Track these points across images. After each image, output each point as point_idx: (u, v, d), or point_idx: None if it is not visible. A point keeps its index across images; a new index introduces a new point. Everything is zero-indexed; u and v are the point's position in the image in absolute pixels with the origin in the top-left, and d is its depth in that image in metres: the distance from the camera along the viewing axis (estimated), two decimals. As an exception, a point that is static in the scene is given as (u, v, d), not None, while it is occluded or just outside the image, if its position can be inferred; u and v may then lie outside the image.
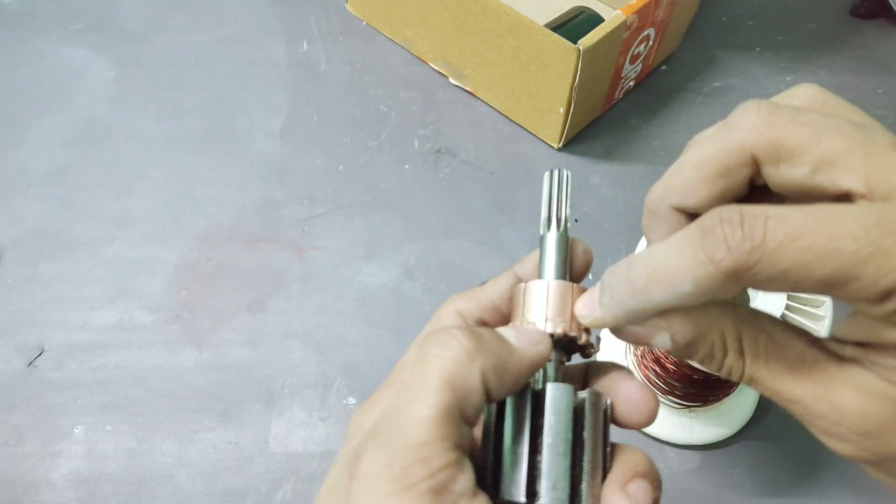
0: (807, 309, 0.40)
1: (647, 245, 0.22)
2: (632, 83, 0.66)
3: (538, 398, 0.22)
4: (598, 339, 0.25)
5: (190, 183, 0.60)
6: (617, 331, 0.23)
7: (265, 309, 0.53)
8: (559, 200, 0.25)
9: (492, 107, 0.66)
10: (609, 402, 0.23)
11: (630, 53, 0.60)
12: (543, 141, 0.63)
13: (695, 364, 0.41)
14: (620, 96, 0.66)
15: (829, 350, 0.21)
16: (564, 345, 0.24)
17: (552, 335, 0.23)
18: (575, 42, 0.53)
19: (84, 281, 0.54)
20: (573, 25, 0.63)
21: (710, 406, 0.47)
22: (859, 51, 0.72)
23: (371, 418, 0.23)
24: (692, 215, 0.22)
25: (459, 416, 0.20)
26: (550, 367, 0.24)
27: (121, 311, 0.53)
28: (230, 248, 0.56)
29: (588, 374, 0.25)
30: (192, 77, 0.67)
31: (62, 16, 0.71)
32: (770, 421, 0.49)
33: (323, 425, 0.48)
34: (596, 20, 0.64)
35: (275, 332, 0.52)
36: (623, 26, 0.55)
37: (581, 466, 0.22)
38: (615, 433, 0.23)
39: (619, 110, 0.66)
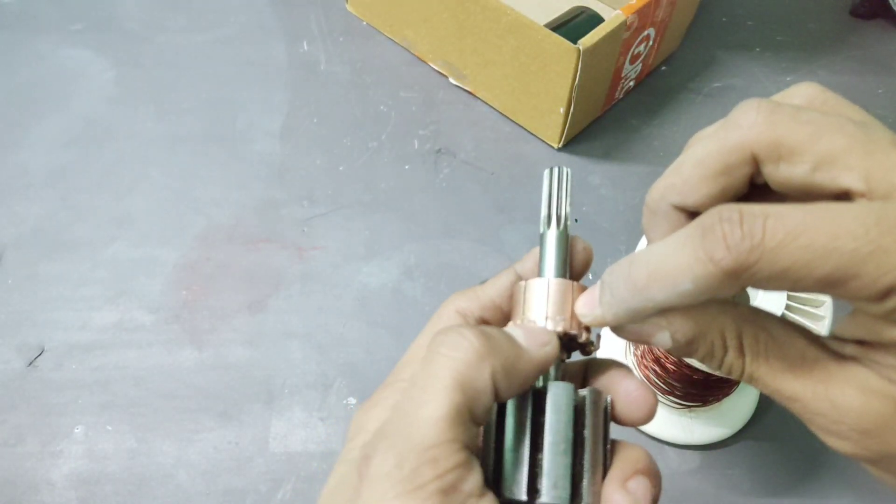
0: (807, 309, 0.40)
1: (647, 244, 0.22)
2: (632, 83, 0.66)
3: (539, 396, 0.22)
4: (598, 336, 0.25)
5: (190, 183, 0.60)
6: (617, 329, 0.23)
7: (265, 309, 0.53)
8: (559, 198, 0.25)
9: (492, 107, 0.66)
10: (609, 399, 0.23)
11: (630, 53, 0.60)
12: (543, 141, 0.63)
13: (695, 364, 0.41)
14: (620, 96, 0.66)
15: (830, 348, 0.21)
16: (565, 343, 0.24)
17: (555, 333, 0.23)
18: (575, 42, 0.53)
19: (84, 281, 0.54)
20: (573, 25, 0.63)
21: (710, 406, 0.47)
22: (859, 51, 0.72)
23: (374, 417, 0.23)
24: (692, 214, 0.22)
25: (469, 416, 0.20)
26: (552, 365, 0.24)
27: (121, 311, 0.53)
28: (230, 248, 0.56)
29: (587, 372, 0.25)
30: (192, 77, 0.67)
31: (62, 16, 0.71)
32: (770, 421, 0.49)
33: (323, 425, 0.48)
34: (596, 20, 0.64)
35: (275, 332, 0.52)
36: (623, 26, 0.55)
37: (582, 464, 0.22)
38: (614, 431, 0.23)
39: (619, 110, 0.66)
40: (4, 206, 0.58)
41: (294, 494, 0.46)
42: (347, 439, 0.23)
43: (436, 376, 0.20)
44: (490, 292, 0.26)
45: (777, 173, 0.20)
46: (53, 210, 0.58)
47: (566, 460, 0.21)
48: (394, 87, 0.67)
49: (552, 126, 0.61)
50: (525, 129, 0.64)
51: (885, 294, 0.17)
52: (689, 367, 0.43)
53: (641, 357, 0.47)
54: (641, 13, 0.56)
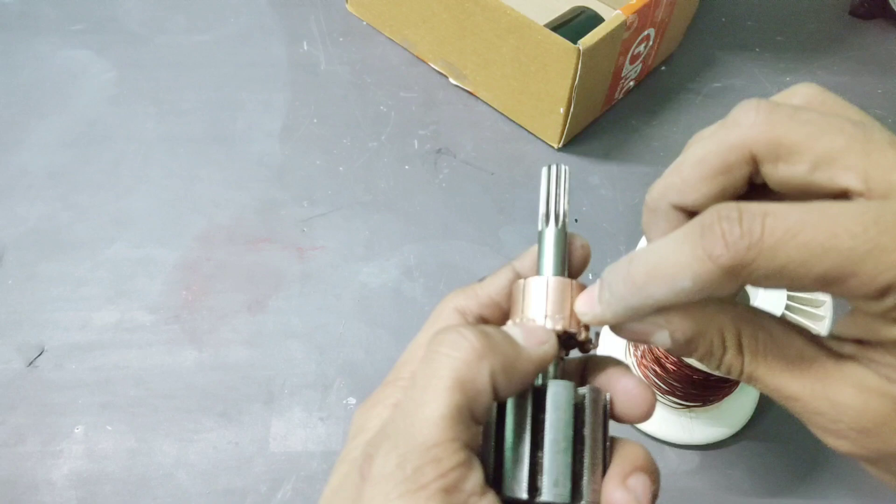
0: (807, 309, 0.40)
1: (647, 244, 0.22)
2: (632, 83, 0.66)
3: (539, 394, 0.22)
4: (597, 334, 0.25)
5: (190, 183, 0.60)
6: (616, 328, 0.23)
7: (265, 309, 0.53)
8: (557, 195, 0.25)
9: (492, 107, 0.66)
10: (608, 397, 0.24)
11: (630, 53, 0.60)
12: (543, 141, 0.63)
13: (695, 364, 0.41)
14: (620, 96, 0.66)
15: (828, 348, 0.21)
16: (564, 341, 0.24)
17: (553, 332, 0.23)
18: (575, 42, 0.53)
19: (84, 281, 0.54)
20: (573, 25, 0.63)
21: (710, 406, 0.47)
22: (858, 51, 0.72)
23: (375, 416, 0.23)
24: (692, 214, 0.22)
25: (469, 415, 0.20)
26: (550, 364, 0.24)
27: (121, 311, 0.53)
28: (230, 248, 0.56)
29: (586, 369, 0.26)
30: (192, 77, 0.67)
31: (63, 17, 0.71)
32: (770, 421, 0.49)
33: (323, 425, 0.48)
34: (596, 20, 0.64)
35: (275, 332, 0.52)
36: (623, 26, 0.55)
37: (582, 462, 0.22)
38: (613, 428, 0.23)
39: (619, 110, 0.66)
40: (5, 206, 0.58)
41: (294, 494, 0.46)
42: (348, 438, 0.24)
43: (436, 376, 0.20)
44: (489, 290, 0.26)
45: (776, 173, 0.20)
46: (53, 210, 0.58)
47: (566, 458, 0.22)
48: (394, 87, 0.67)
49: (552, 126, 0.61)
50: (525, 129, 0.64)
51: (882, 292, 0.17)
52: (689, 367, 0.43)
53: (641, 357, 0.47)
54: (641, 13, 0.56)
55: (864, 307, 0.18)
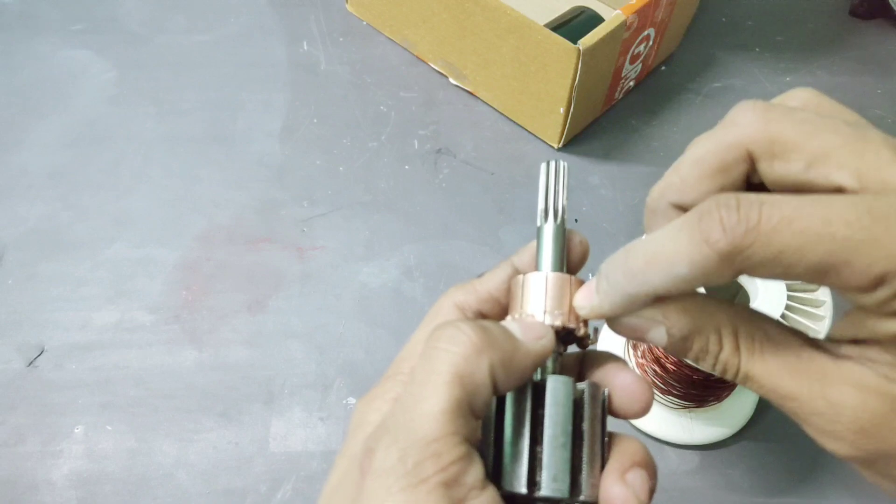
0: (807, 309, 0.40)
1: None
2: (632, 83, 0.66)
3: (538, 390, 0.23)
4: (596, 330, 0.25)
5: (190, 183, 0.60)
6: (614, 323, 0.23)
7: (265, 309, 0.53)
8: (556, 191, 0.25)
9: (492, 107, 0.66)
10: (607, 393, 0.24)
11: (630, 53, 0.60)
12: (543, 141, 0.63)
13: (694, 363, 0.41)
14: (620, 96, 0.66)
15: (826, 349, 0.21)
16: (563, 336, 0.24)
17: (551, 327, 0.24)
18: (575, 42, 0.53)
19: (84, 281, 0.54)
20: (573, 25, 0.63)
21: (710, 406, 0.47)
22: (858, 51, 0.72)
23: (375, 410, 0.23)
24: None
25: (469, 410, 0.20)
26: (549, 359, 0.24)
27: (121, 311, 0.53)
28: (230, 248, 0.56)
29: (583, 364, 0.26)
30: (192, 77, 0.67)
31: (63, 17, 0.71)
32: (769, 421, 0.49)
33: (323, 425, 0.48)
34: (596, 20, 0.64)
35: (275, 332, 0.52)
36: (623, 26, 0.55)
37: (580, 457, 0.22)
38: (611, 424, 0.23)
39: (619, 110, 0.66)
40: (5, 206, 0.58)
41: (294, 494, 0.46)
42: (348, 433, 0.24)
43: (435, 371, 0.20)
44: (487, 285, 0.26)
45: (772, 171, 0.20)
46: (53, 210, 0.58)
47: (565, 453, 0.22)
48: (394, 87, 0.67)
49: (552, 126, 0.61)
50: (525, 129, 0.64)
51: (876, 283, 0.18)
52: (689, 367, 0.43)
53: (641, 357, 0.47)
54: (641, 13, 0.56)
55: (858, 300, 0.19)
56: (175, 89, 0.66)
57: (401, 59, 0.69)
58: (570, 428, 0.22)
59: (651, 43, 0.62)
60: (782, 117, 0.20)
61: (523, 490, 0.21)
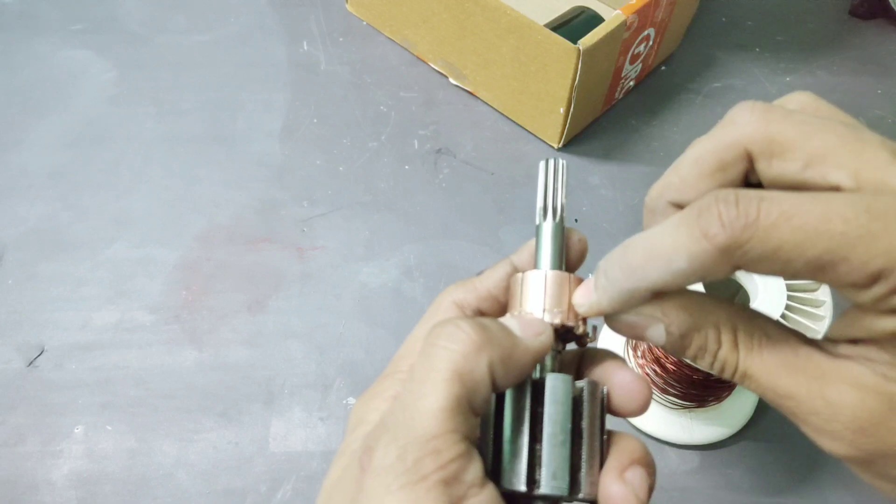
0: (807, 309, 0.40)
1: None
2: (632, 83, 0.66)
3: (537, 387, 0.23)
4: (595, 328, 0.25)
5: (190, 183, 0.60)
6: (612, 320, 0.23)
7: (265, 309, 0.53)
8: (555, 190, 0.25)
9: (492, 107, 0.66)
10: (605, 390, 0.24)
11: (630, 53, 0.60)
12: (543, 141, 0.63)
13: (692, 362, 0.41)
14: (620, 96, 0.66)
15: (824, 349, 0.21)
16: (562, 334, 0.24)
17: (550, 324, 0.24)
18: (575, 42, 0.53)
19: (84, 281, 0.54)
20: (573, 25, 0.64)
21: (710, 406, 0.47)
22: (858, 51, 0.72)
23: (374, 408, 0.23)
24: None
25: (468, 407, 0.20)
26: (548, 357, 0.24)
27: (121, 311, 0.53)
28: (230, 248, 0.56)
29: (582, 362, 0.26)
30: (192, 77, 0.67)
31: (63, 17, 0.71)
32: (769, 421, 0.49)
33: (323, 425, 0.48)
34: (596, 20, 0.64)
35: (275, 332, 0.52)
36: (623, 26, 0.55)
37: (579, 455, 0.22)
38: (610, 423, 0.23)
39: (619, 110, 0.66)
40: (5, 206, 0.58)
41: (294, 494, 0.46)
42: (347, 431, 0.24)
43: (434, 368, 0.20)
44: (487, 283, 0.26)
45: (770, 170, 0.20)
46: (53, 210, 0.58)
47: (565, 451, 0.22)
48: (394, 87, 0.67)
49: (552, 126, 0.61)
50: (525, 129, 0.64)
51: (873, 279, 0.18)
52: (689, 367, 0.43)
53: (641, 357, 0.47)
54: (641, 13, 0.56)
55: (855, 298, 0.19)
56: (175, 89, 0.66)
57: (401, 59, 0.69)
58: (569, 426, 0.22)
59: (651, 43, 0.62)
60: (781, 117, 0.20)
61: (522, 488, 0.21)
